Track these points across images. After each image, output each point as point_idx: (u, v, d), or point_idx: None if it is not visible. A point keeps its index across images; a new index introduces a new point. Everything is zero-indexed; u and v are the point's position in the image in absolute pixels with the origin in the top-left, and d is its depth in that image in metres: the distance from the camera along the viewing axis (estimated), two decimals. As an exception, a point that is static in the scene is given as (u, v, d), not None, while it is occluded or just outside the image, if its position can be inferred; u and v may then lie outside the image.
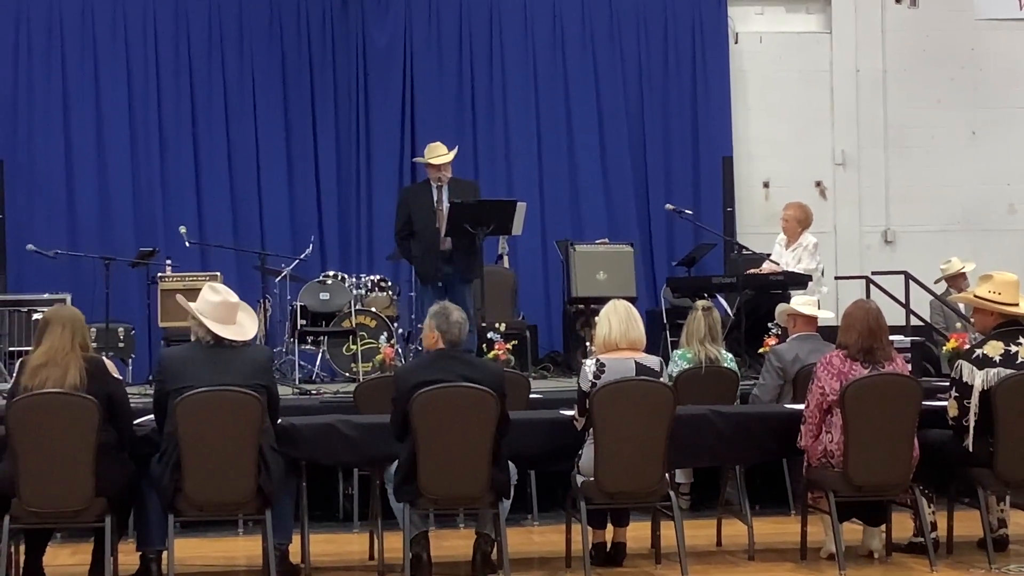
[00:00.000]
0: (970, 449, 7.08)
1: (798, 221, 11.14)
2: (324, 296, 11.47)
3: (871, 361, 7.01)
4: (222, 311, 6.74)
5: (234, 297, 6.82)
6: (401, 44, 13.62)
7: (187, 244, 11.67)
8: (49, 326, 6.56)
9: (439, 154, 10.10)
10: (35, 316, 10.40)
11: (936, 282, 12.06)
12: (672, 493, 6.97)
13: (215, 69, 13.34)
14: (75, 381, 6.42)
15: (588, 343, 10.32)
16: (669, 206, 12.32)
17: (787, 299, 10.02)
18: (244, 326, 6.81)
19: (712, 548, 7.71)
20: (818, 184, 14.37)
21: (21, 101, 13.02)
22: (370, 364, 10.22)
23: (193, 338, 6.83)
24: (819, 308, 8.92)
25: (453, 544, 7.60)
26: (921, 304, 11.94)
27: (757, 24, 14.48)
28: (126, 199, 13.07)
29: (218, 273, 11.34)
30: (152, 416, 6.88)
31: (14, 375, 6.62)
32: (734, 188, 14.12)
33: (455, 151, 10.26)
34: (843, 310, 7.35)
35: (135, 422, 6.87)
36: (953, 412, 7.17)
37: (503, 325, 10.32)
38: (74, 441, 6.36)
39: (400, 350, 10.63)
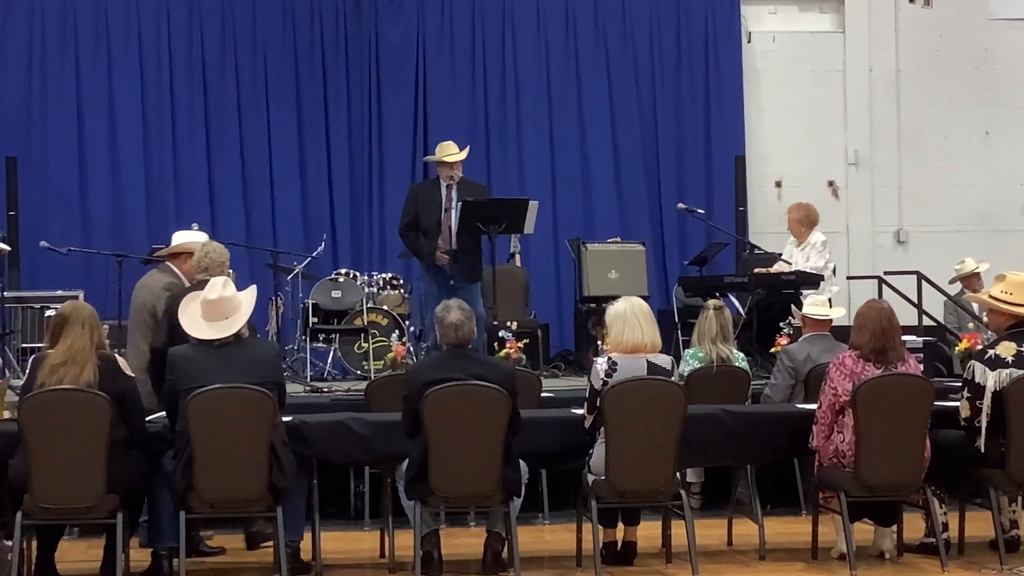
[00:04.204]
0: (982, 450, 7.07)
1: (799, 222, 11.14)
2: (336, 294, 11.49)
3: (883, 361, 7.00)
4: (209, 310, 6.75)
5: (215, 293, 6.78)
6: (414, 42, 13.64)
7: (200, 242, 11.67)
8: (68, 324, 6.56)
9: (450, 152, 10.10)
10: (48, 313, 10.42)
11: (950, 282, 12.03)
12: (683, 492, 6.97)
13: (228, 67, 13.37)
14: (90, 379, 6.44)
15: (600, 342, 10.31)
16: (681, 205, 12.33)
17: (799, 299, 10.01)
18: (235, 319, 6.77)
19: (723, 548, 7.72)
20: (831, 184, 14.35)
21: (35, 99, 13.05)
22: (382, 362, 10.23)
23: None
24: (831, 306, 8.90)
25: (464, 542, 7.60)
26: (934, 304, 11.91)
27: (770, 23, 14.46)
28: (139, 196, 13.10)
29: (231, 271, 11.32)
30: (164, 413, 6.90)
31: (28, 371, 6.62)
32: (746, 187, 14.11)
33: (467, 150, 10.26)
34: (856, 310, 7.34)
35: (147, 419, 6.89)
36: (965, 413, 7.15)
37: (515, 324, 10.33)
38: (86, 438, 6.38)
39: (411, 348, 10.64)
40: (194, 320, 6.77)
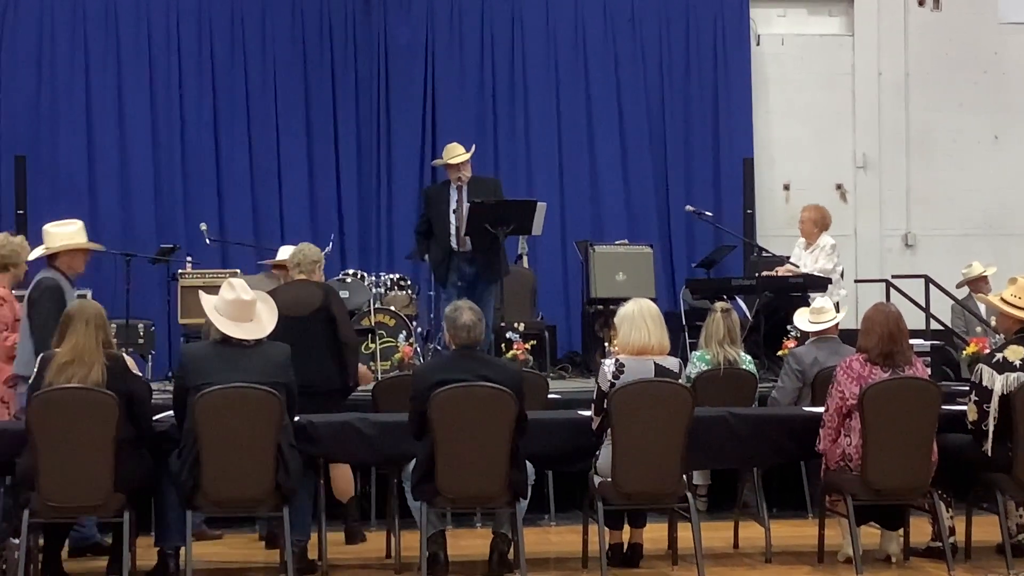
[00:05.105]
0: (989, 454, 7.06)
1: (814, 223, 11.13)
2: (343, 294, 11.43)
3: (891, 365, 7.00)
4: (236, 309, 6.76)
5: (249, 294, 6.83)
6: (423, 43, 13.64)
7: (207, 241, 11.72)
8: (73, 322, 6.58)
9: (456, 154, 10.12)
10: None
11: (957, 286, 12.02)
12: (689, 495, 6.97)
13: (237, 67, 13.38)
14: (98, 379, 6.46)
15: (607, 344, 10.32)
16: (689, 208, 12.33)
17: (806, 301, 10.00)
18: (261, 322, 6.82)
19: (729, 550, 7.71)
20: (839, 187, 14.34)
21: (44, 98, 13.07)
22: (389, 363, 10.24)
23: (209, 335, 6.89)
24: (837, 310, 8.88)
25: (470, 543, 7.61)
26: (941, 308, 11.91)
27: (779, 26, 14.45)
28: (147, 196, 13.12)
29: (238, 270, 11.35)
30: (171, 412, 6.91)
31: (35, 370, 6.64)
32: (754, 190, 14.09)
33: (472, 150, 10.27)
34: (863, 314, 7.34)
35: (154, 418, 6.90)
36: (972, 416, 7.15)
37: (522, 325, 10.33)
38: (94, 436, 6.39)
39: (419, 349, 10.65)
40: (217, 317, 6.78)
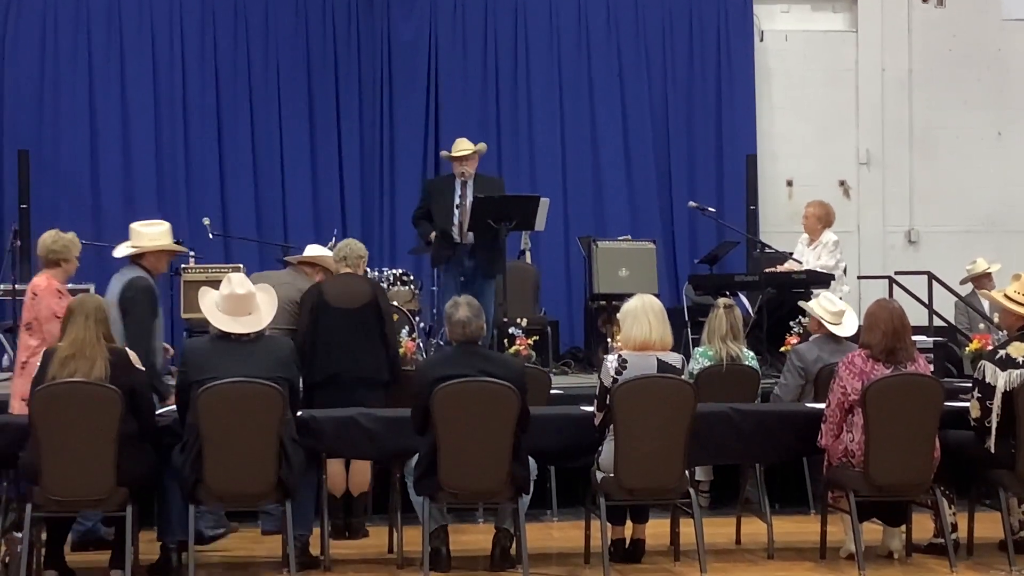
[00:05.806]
0: (992, 450, 7.07)
1: (818, 219, 11.13)
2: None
3: (893, 361, 7.00)
4: (232, 304, 6.78)
5: (243, 288, 6.83)
6: (426, 39, 13.63)
7: (210, 236, 11.71)
8: (72, 316, 6.60)
9: (461, 148, 10.13)
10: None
11: (961, 283, 12.01)
12: (692, 490, 6.98)
13: (240, 62, 13.37)
14: (101, 373, 6.47)
15: (609, 339, 10.32)
16: (692, 203, 12.32)
17: (809, 298, 9.99)
18: (259, 315, 6.82)
19: (731, 546, 7.72)
20: (842, 183, 14.32)
21: (47, 93, 13.06)
22: (391, 358, 10.21)
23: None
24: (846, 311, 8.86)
25: (472, 538, 7.62)
26: (944, 305, 11.90)
27: (783, 22, 14.44)
28: (150, 191, 13.11)
29: (241, 265, 11.34)
30: (174, 407, 6.91)
31: (39, 364, 6.64)
32: (757, 186, 14.07)
33: (479, 146, 10.26)
34: (866, 310, 7.33)
35: (157, 412, 6.91)
36: (975, 413, 7.15)
37: (525, 320, 10.33)
38: (97, 431, 6.40)
39: (421, 344, 10.64)
40: (214, 313, 6.79)
